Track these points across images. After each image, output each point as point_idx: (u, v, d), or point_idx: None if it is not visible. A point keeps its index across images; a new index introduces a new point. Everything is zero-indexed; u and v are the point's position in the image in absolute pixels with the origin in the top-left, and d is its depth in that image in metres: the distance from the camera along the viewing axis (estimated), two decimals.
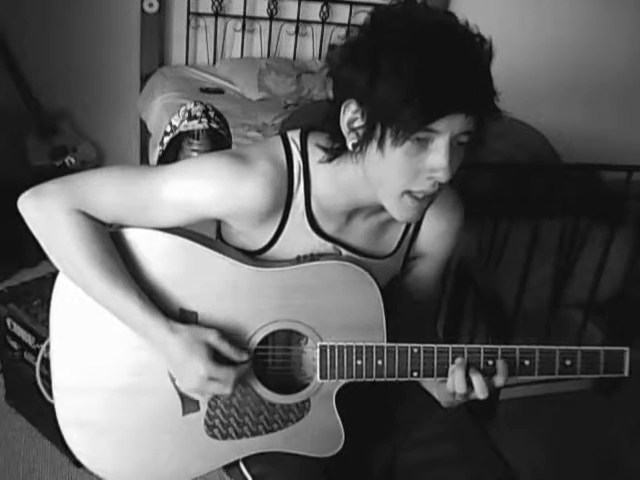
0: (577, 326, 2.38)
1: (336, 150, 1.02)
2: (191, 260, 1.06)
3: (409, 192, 0.97)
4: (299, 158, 1.06)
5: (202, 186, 1.02)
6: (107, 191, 1.03)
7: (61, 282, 1.08)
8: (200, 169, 1.03)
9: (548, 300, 2.32)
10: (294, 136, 1.07)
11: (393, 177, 0.96)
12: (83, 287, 1.05)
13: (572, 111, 3.80)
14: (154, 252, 1.06)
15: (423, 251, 1.20)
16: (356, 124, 0.96)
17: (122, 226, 1.06)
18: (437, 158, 0.93)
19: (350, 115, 0.96)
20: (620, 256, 2.33)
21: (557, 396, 2.44)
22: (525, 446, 2.13)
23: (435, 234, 1.17)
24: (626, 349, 1.05)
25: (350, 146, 0.98)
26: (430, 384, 1.19)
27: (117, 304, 1.03)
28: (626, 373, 1.05)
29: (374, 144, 0.95)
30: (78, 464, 1.91)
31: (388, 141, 0.93)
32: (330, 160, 1.03)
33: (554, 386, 2.42)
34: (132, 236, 1.06)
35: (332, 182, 1.05)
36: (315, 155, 1.05)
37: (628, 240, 2.32)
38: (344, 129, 0.98)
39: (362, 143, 0.96)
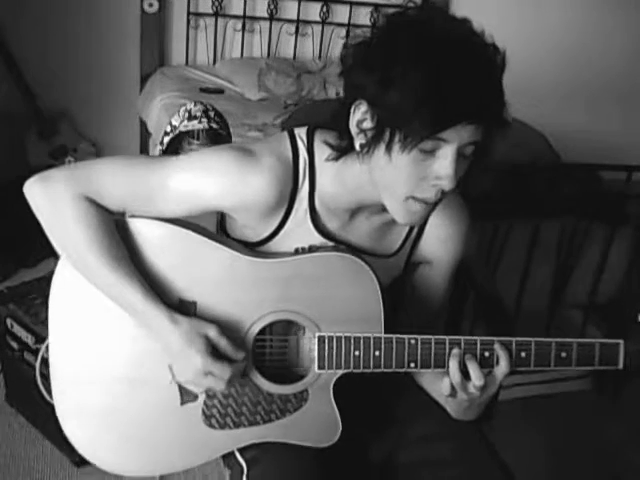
0: (577, 327, 2.38)
1: (343, 148, 1.03)
2: (191, 250, 1.07)
3: (413, 197, 0.98)
4: (305, 154, 1.07)
5: (209, 179, 1.03)
6: (115, 179, 1.04)
7: (60, 273, 1.09)
8: (208, 162, 1.05)
9: (548, 300, 2.32)
10: (301, 133, 1.08)
11: (398, 182, 0.96)
12: (85, 273, 1.05)
13: (572, 111, 3.80)
14: (155, 242, 1.07)
15: (428, 256, 1.19)
16: (365, 125, 0.97)
17: (125, 215, 1.07)
18: (443, 166, 0.94)
19: (360, 115, 0.97)
20: (620, 256, 2.33)
21: (557, 396, 2.44)
22: (524, 446, 2.13)
23: (440, 238, 1.17)
24: (620, 341, 1.07)
25: (358, 146, 0.99)
26: (440, 395, 1.19)
27: (119, 291, 1.03)
28: (620, 365, 1.07)
29: (382, 147, 0.95)
30: (78, 464, 1.92)
31: (396, 146, 0.93)
32: (337, 158, 1.04)
33: (554, 386, 2.42)
34: (134, 225, 1.06)
35: (337, 180, 1.06)
36: (322, 152, 1.06)
37: (628, 240, 2.32)
38: (353, 129, 0.99)
39: (370, 145, 0.97)
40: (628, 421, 2.40)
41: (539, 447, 2.22)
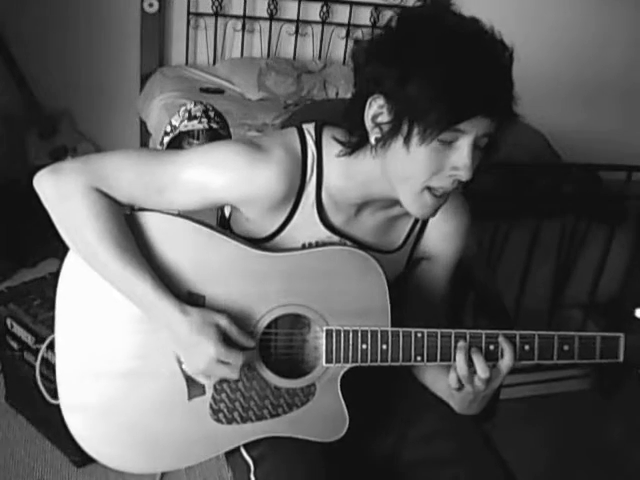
0: (577, 326, 2.38)
1: (355, 144, 1.04)
2: (200, 244, 1.08)
3: (429, 188, 1.00)
4: (313, 149, 1.08)
5: (219, 172, 1.05)
6: (126, 171, 1.05)
7: (68, 267, 1.09)
8: (217, 156, 1.06)
9: (548, 300, 2.32)
10: (309, 128, 1.10)
11: (416, 173, 0.98)
12: (95, 266, 1.06)
13: (572, 111, 3.80)
14: (164, 235, 1.07)
15: (430, 251, 1.21)
16: (381, 119, 0.98)
17: (134, 208, 1.08)
18: (461, 157, 0.96)
19: (376, 109, 0.99)
20: (620, 256, 2.33)
21: (557, 396, 2.44)
22: (525, 446, 2.13)
23: (441, 234, 1.19)
24: (621, 335, 1.08)
25: (373, 140, 1.00)
26: (445, 393, 1.20)
27: (129, 284, 1.04)
28: (621, 358, 1.08)
29: (399, 140, 0.97)
30: (78, 464, 1.92)
31: (415, 138, 0.95)
32: (349, 154, 1.05)
33: (554, 386, 2.42)
34: (143, 218, 1.07)
35: (345, 174, 1.07)
36: (330, 148, 1.08)
37: (628, 240, 2.32)
38: (368, 123, 1.00)
39: (386, 138, 0.98)
40: (628, 421, 2.40)
41: (539, 446, 2.22)
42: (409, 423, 1.22)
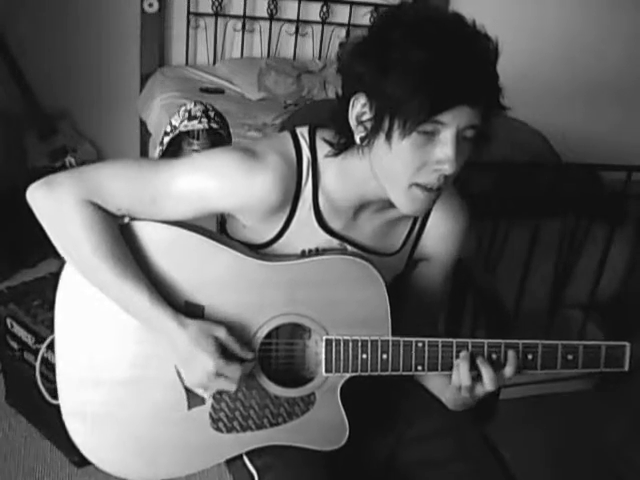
0: (577, 326, 2.38)
1: (342, 145, 1.03)
2: (198, 253, 1.07)
3: (417, 184, 0.98)
4: (308, 153, 1.07)
5: (214, 180, 1.04)
6: (119, 182, 1.04)
7: (67, 274, 1.09)
8: (212, 164, 1.05)
9: (548, 300, 2.32)
10: (303, 131, 1.09)
11: (400, 169, 0.97)
12: (91, 278, 1.05)
13: (572, 111, 3.80)
14: (161, 245, 1.07)
15: (428, 252, 1.20)
16: (364, 117, 0.98)
17: (129, 218, 1.07)
18: (443, 150, 0.95)
19: (359, 109, 0.98)
20: (620, 256, 2.33)
21: (557, 396, 2.43)
22: (525, 446, 2.13)
23: (440, 235, 1.18)
24: (627, 344, 1.07)
25: (358, 140, 1.00)
26: (438, 389, 1.20)
27: (125, 296, 1.03)
28: (626, 368, 1.07)
29: (382, 136, 0.96)
30: (78, 464, 1.92)
31: (396, 133, 0.94)
32: (336, 155, 1.05)
33: (554, 386, 2.42)
34: (139, 229, 1.06)
35: (340, 177, 1.07)
36: (323, 150, 1.07)
37: (628, 240, 2.32)
38: (352, 123, 1.00)
39: (370, 136, 0.98)
40: (628, 421, 2.40)
41: (539, 446, 2.22)
42: (408, 423, 1.22)
